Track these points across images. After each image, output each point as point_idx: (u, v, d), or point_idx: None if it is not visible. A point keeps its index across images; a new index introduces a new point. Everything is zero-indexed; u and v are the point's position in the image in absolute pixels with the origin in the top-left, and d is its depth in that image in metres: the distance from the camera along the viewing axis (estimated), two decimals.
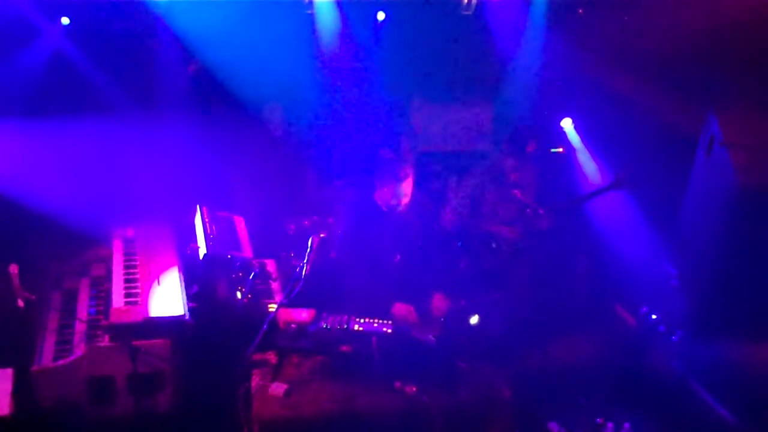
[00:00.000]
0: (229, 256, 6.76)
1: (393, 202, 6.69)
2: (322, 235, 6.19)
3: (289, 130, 8.62)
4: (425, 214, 7.03)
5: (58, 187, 7.60)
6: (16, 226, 7.54)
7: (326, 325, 6.19)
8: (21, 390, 5.76)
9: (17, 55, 8.05)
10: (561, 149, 8.90)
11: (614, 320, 7.88)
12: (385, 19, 8.78)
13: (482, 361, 6.42)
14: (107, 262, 6.97)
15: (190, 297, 6.50)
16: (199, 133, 8.22)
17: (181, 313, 6.23)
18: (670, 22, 7.96)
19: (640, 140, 8.31)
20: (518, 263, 7.67)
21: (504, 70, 9.18)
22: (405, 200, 6.71)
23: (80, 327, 6.31)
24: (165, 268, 6.78)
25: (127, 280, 6.63)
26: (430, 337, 6.27)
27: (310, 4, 8.54)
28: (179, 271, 6.76)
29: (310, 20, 8.63)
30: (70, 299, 6.77)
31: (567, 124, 8.69)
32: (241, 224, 7.44)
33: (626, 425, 6.02)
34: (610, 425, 6.01)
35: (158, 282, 6.58)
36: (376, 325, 6.17)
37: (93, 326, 6.29)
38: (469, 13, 8.80)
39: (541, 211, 7.45)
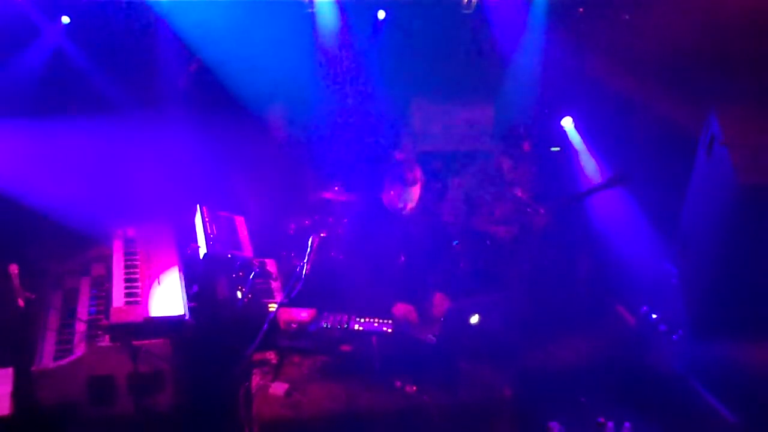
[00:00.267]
0: (229, 256, 6.76)
1: (399, 205, 6.68)
2: (322, 235, 6.19)
3: (289, 129, 8.62)
4: (429, 215, 7.03)
5: (59, 186, 7.60)
6: (16, 226, 7.54)
7: (326, 325, 6.19)
8: (21, 390, 5.76)
9: (18, 55, 8.06)
10: (559, 148, 8.91)
11: (615, 320, 7.88)
12: (385, 18, 8.79)
13: (483, 360, 6.41)
14: (107, 261, 6.95)
15: (191, 297, 6.50)
16: (199, 132, 8.23)
17: (182, 312, 6.22)
18: (671, 21, 7.95)
19: (641, 139, 8.32)
20: (516, 262, 7.67)
21: (504, 69, 9.19)
22: (411, 205, 6.69)
23: (80, 327, 6.30)
24: (165, 267, 6.77)
25: (127, 280, 6.62)
26: (431, 336, 6.26)
27: (311, 2, 8.55)
28: (179, 270, 6.75)
29: (311, 19, 8.63)
30: (71, 299, 6.77)
31: (567, 123, 8.69)
32: (241, 224, 7.44)
33: (627, 425, 5.98)
34: (610, 425, 5.98)
35: (158, 282, 6.58)
36: (376, 324, 6.17)
37: (93, 326, 6.29)
38: (470, 12, 8.81)
39: (542, 211, 7.44)
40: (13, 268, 6.06)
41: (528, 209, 7.55)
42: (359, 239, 6.77)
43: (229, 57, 8.44)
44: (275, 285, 7.10)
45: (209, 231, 6.90)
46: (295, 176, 8.45)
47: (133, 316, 6.08)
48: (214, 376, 6.06)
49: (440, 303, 6.61)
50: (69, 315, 6.54)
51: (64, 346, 6.18)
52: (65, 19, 8.17)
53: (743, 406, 6.34)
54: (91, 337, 6.17)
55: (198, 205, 7.25)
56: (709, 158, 6.86)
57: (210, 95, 8.58)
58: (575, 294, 8.16)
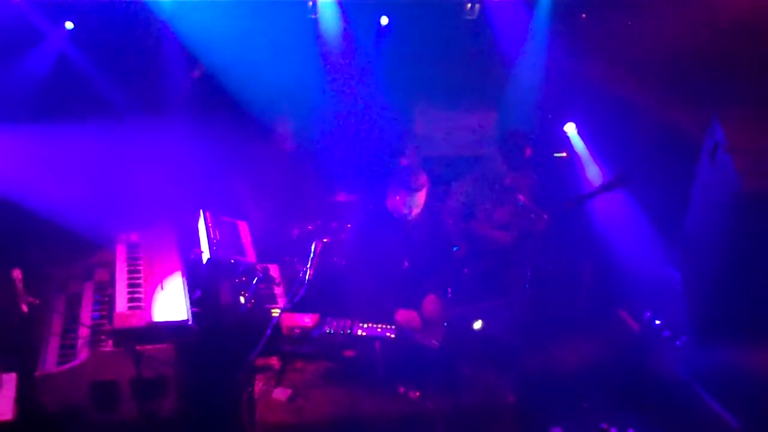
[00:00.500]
0: (232, 261, 6.76)
1: (404, 211, 6.67)
2: (325, 240, 6.18)
3: (292, 134, 8.62)
4: (433, 220, 7.03)
5: (62, 191, 7.60)
6: (19, 230, 7.54)
7: (330, 330, 6.19)
8: (24, 395, 5.76)
9: (22, 59, 8.08)
10: (564, 154, 8.90)
11: (618, 325, 7.88)
12: (388, 24, 8.80)
13: (485, 366, 6.42)
14: (111, 266, 6.95)
15: (194, 302, 6.50)
16: (202, 137, 8.23)
17: (185, 318, 6.22)
18: (674, 27, 7.95)
19: (644, 145, 8.31)
20: (518, 267, 7.66)
21: (507, 74, 9.20)
22: (416, 210, 6.68)
23: (84, 332, 6.29)
24: (168, 272, 6.77)
25: (130, 285, 6.61)
26: (434, 342, 6.26)
27: (314, 8, 8.55)
28: (183, 275, 6.75)
29: (314, 25, 8.64)
30: (74, 304, 6.77)
31: (570, 128, 8.69)
32: (244, 229, 7.44)
33: (630, 430, 6.00)
34: (613, 430, 5.99)
35: (162, 287, 6.57)
36: (379, 330, 6.17)
37: (97, 331, 6.28)
38: (473, 17, 8.82)
39: (545, 216, 7.43)
40: (17, 273, 6.05)
41: (531, 215, 7.54)
42: (363, 245, 6.76)
43: (232, 62, 8.45)
44: (278, 290, 7.09)
45: (212, 236, 6.91)
46: (299, 181, 8.44)
47: (137, 321, 6.08)
48: (217, 382, 6.06)
49: (430, 305, 6.57)
50: (72, 320, 6.53)
51: (68, 351, 6.18)
52: (69, 25, 8.19)
53: (746, 412, 6.33)
54: (94, 342, 6.17)
55: (201, 210, 7.25)
56: (712, 164, 6.85)
57: (213, 100, 8.59)
58: (578, 299, 8.16)
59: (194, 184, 8.07)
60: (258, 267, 6.85)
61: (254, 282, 6.64)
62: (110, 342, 6.04)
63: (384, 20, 8.78)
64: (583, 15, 8.86)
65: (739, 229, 6.45)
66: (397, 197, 6.64)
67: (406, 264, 6.73)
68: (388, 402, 5.96)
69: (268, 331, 5.75)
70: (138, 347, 5.88)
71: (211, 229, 6.99)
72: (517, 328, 6.95)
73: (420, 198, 6.64)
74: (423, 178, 6.65)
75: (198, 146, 8.17)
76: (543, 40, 8.86)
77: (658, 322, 7.39)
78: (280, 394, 5.95)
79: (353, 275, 6.68)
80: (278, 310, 6.16)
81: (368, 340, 6.13)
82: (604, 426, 6.03)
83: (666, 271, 7.58)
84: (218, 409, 6.09)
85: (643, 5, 8.31)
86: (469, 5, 8.73)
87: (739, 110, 6.84)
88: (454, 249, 7.55)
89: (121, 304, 6.36)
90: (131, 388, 6.01)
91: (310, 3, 8.54)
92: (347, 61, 8.94)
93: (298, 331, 6.21)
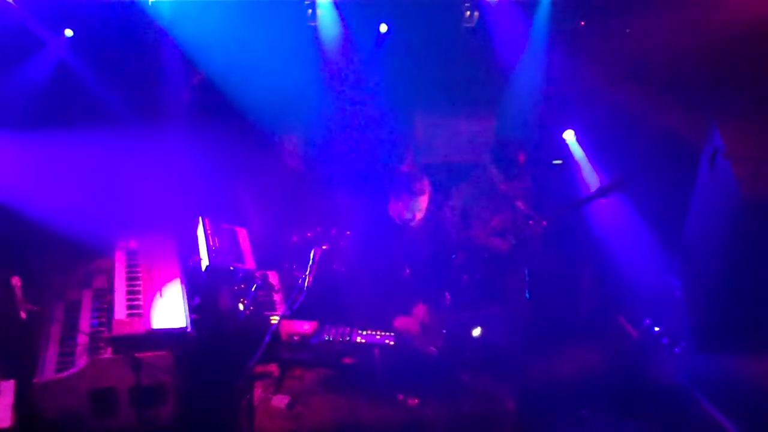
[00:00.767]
0: (231, 268, 6.76)
1: (407, 216, 6.67)
2: (324, 247, 6.17)
3: (292, 141, 8.63)
4: (435, 227, 7.03)
5: (61, 198, 7.60)
6: (19, 238, 7.54)
7: (328, 337, 6.18)
8: (23, 402, 5.74)
9: (22, 67, 8.09)
10: (560, 162, 8.91)
11: (617, 332, 7.86)
12: (387, 32, 8.81)
13: (485, 373, 6.40)
14: (110, 273, 6.95)
15: (193, 309, 6.50)
16: (201, 144, 8.23)
17: (184, 325, 6.22)
18: (673, 34, 7.97)
19: (643, 152, 8.32)
20: (517, 274, 7.65)
21: (506, 82, 9.21)
22: (419, 215, 6.69)
23: (82, 339, 6.28)
24: (167, 279, 6.77)
25: (129, 292, 6.61)
26: (433, 349, 6.25)
27: (313, 15, 8.57)
28: (182, 282, 6.75)
29: (313, 32, 8.66)
30: (73, 311, 6.76)
31: (569, 136, 8.69)
32: (243, 236, 7.44)
33: None
34: None
35: (161, 294, 6.57)
36: (378, 337, 6.16)
37: (95, 338, 6.27)
38: (471, 25, 8.83)
39: (544, 222, 7.43)
40: (16, 281, 6.05)
41: (530, 221, 7.53)
42: (363, 252, 6.76)
43: (232, 69, 8.46)
44: (277, 297, 7.10)
45: (211, 243, 6.91)
46: (298, 188, 8.46)
47: (135, 328, 6.08)
48: (216, 389, 6.05)
49: (420, 314, 6.56)
50: (71, 327, 6.52)
51: (66, 358, 6.17)
52: (69, 32, 8.20)
53: (746, 419, 6.32)
54: (93, 349, 6.16)
55: (200, 217, 7.25)
56: (712, 171, 6.86)
57: (212, 107, 8.60)
58: (578, 306, 8.15)
59: (193, 191, 8.08)
60: (257, 274, 6.86)
61: (253, 289, 6.64)
62: (109, 349, 6.03)
63: (383, 28, 8.79)
64: (582, 22, 8.87)
65: (738, 236, 6.45)
66: (400, 202, 6.65)
67: (408, 271, 6.73)
68: (387, 409, 5.95)
69: (267, 338, 5.72)
70: (137, 354, 5.86)
71: (210, 236, 6.99)
72: (516, 335, 6.93)
73: (422, 202, 6.65)
74: (425, 182, 6.66)
75: (197, 153, 8.18)
76: (542, 47, 8.88)
77: (657, 329, 7.39)
78: (279, 401, 5.95)
79: (353, 282, 6.67)
80: (277, 317, 6.16)
81: (367, 347, 6.12)
82: None
83: (665, 278, 7.58)
84: (217, 416, 6.07)
85: (642, 12, 8.33)
86: (468, 13, 8.75)
87: (739, 116, 6.85)
88: (452, 257, 7.55)
89: (120, 311, 6.37)
90: (130, 396, 5.99)
91: (310, 11, 8.55)
92: (347, 68, 8.95)
93: (297, 338, 6.20)
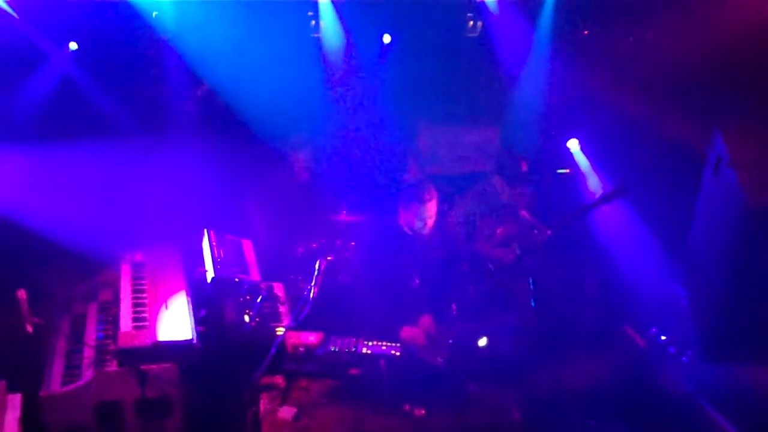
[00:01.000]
0: (236, 280, 6.77)
1: (418, 224, 6.68)
2: (329, 258, 6.18)
3: (296, 152, 8.64)
4: (445, 238, 7.03)
5: (67, 211, 7.62)
6: (24, 251, 7.56)
7: (334, 348, 6.18)
8: (29, 415, 5.74)
9: (27, 80, 8.11)
10: (567, 170, 8.90)
11: (624, 341, 7.85)
12: (390, 42, 8.83)
13: (491, 383, 6.38)
14: (115, 286, 6.97)
15: (198, 321, 6.50)
16: (206, 156, 8.25)
17: (189, 337, 6.23)
18: (676, 41, 7.98)
19: (647, 160, 8.31)
20: (521, 283, 7.64)
21: (510, 91, 9.22)
22: (430, 222, 6.70)
23: (88, 352, 6.30)
24: (173, 292, 6.78)
25: (135, 305, 6.62)
26: (439, 359, 6.24)
27: (317, 27, 8.59)
28: (187, 294, 6.76)
29: (317, 44, 8.68)
30: (79, 324, 6.77)
31: (573, 144, 8.69)
32: (248, 247, 7.45)
33: None
34: None
35: (166, 306, 6.58)
36: (384, 347, 6.15)
37: (101, 351, 6.29)
38: (475, 35, 8.85)
39: (548, 232, 7.42)
40: (21, 294, 6.06)
41: (534, 230, 7.53)
42: (370, 262, 6.76)
43: (236, 81, 8.48)
44: (283, 309, 7.09)
45: (216, 255, 6.91)
46: (303, 199, 8.46)
47: (141, 340, 6.09)
48: (222, 401, 6.05)
49: (426, 324, 6.56)
50: (77, 340, 6.54)
51: (73, 371, 6.18)
52: (73, 45, 8.23)
53: (753, 428, 6.30)
54: (99, 362, 6.17)
55: (205, 229, 7.26)
56: (716, 178, 6.86)
57: (216, 120, 8.62)
58: (583, 315, 8.13)
59: (198, 203, 8.09)
60: (262, 285, 6.86)
61: (258, 300, 6.64)
62: (115, 362, 6.05)
63: (386, 38, 8.81)
64: (585, 31, 8.88)
65: (743, 244, 6.45)
66: (409, 212, 6.67)
67: (417, 281, 6.73)
68: (393, 420, 5.92)
69: (273, 350, 5.76)
70: (143, 367, 5.87)
71: (215, 247, 7.00)
72: (522, 344, 6.91)
73: (431, 209, 6.67)
74: (432, 189, 6.69)
75: (201, 165, 8.20)
76: (545, 56, 8.89)
77: (663, 338, 7.37)
78: (286, 412, 5.92)
79: (358, 293, 6.67)
80: (283, 329, 6.16)
81: (373, 358, 6.11)
82: None
83: (670, 286, 7.57)
84: (223, 428, 6.09)
85: (645, 20, 8.34)
86: (471, 22, 8.77)
87: (742, 124, 6.86)
88: (459, 267, 7.54)
89: (125, 323, 6.37)
90: (136, 408, 6.00)
91: (313, 22, 8.57)
92: (350, 78, 8.97)
93: (302, 349, 6.18)
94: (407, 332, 6.42)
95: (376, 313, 6.49)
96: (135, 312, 6.52)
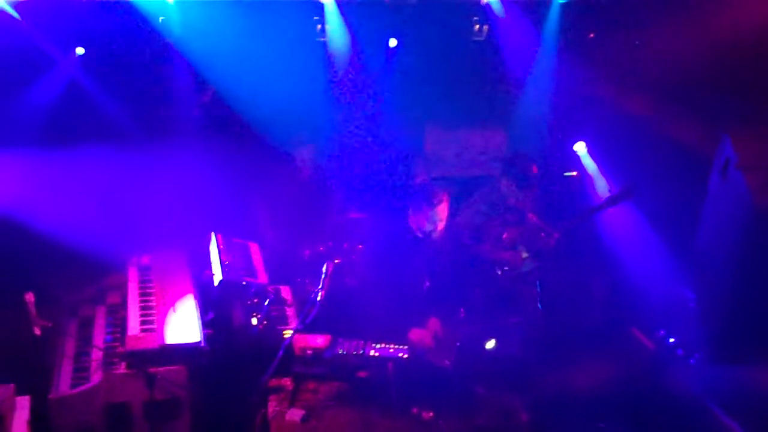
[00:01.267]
0: (244, 283, 6.77)
1: (428, 227, 6.70)
2: (337, 261, 6.18)
3: (303, 156, 8.66)
4: (455, 240, 7.04)
5: (75, 214, 7.63)
6: (32, 254, 7.57)
7: (342, 351, 6.18)
8: (38, 418, 5.75)
9: (34, 85, 8.14)
10: (575, 173, 8.90)
11: (632, 344, 7.84)
12: (397, 46, 8.84)
13: (499, 385, 6.38)
14: (123, 289, 6.97)
15: (206, 324, 6.50)
16: (213, 160, 8.26)
17: (197, 339, 6.22)
18: (682, 45, 7.97)
19: (655, 163, 8.31)
20: (528, 286, 7.63)
21: (516, 95, 9.22)
22: (440, 225, 6.72)
23: (97, 354, 6.30)
24: (180, 295, 6.77)
25: (142, 308, 6.62)
26: (447, 362, 6.24)
27: (323, 31, 8.60)
28: (195, 297, 6.75)
29: (323, 48, 8.69)
30: (87, 327, 6.77)
31: (580, 147, 8.68)
32: (256, 250, 7.45)
33: None
34: None
35: (174, 309, 6.57)
36: (392, 350, 6.15)
37: (109, 353, 6.28)
38: (481, 39, 8.85)
39: (556, 234, 7.42)
40: (30, 297, 6.06)
41: (542, 233, 7.52)
42: (378, 265, 6.77)
43: (242, 85, 8.50)
44: (290, 311, 7.08)
45: (224, 258, 6.92)
46: (309, 202, 8.47)
47: (149, 343, 6.09)
48: (230, 403, 6.05)
49: (434, 327, 6.56)
50: (85, 343, 6.54)
51: (81, 373, 6.19)
52: (80, 50, 8.25)
53: (762, 430, 6.28)
54: (107, 364, 6.17)
55: (213, 232, 7.26)
56: (723, 181, 6.85)
57: (223, 123, 8.64)
58: (591, 318, 8.13)
59: (205, 206, 8.10)
60: (269, 288, 6.86)
61: (266, 303, 6.64)
62: (123, 364, 6.05)
63: (392, 42, 8.82)
64: (591, 34, 8.88)
65: (751, 246, 6.44)
66: (420, 214, 6.69)
67: (428, 284, 6.74)
68: (401, 423, 5.93)
69: (281, 353, 5.76)
70: (151, 369, 5.87)
71: (222, 251, 7.01)
72: (530, 347, 6.92)
73: (442, 212, 6.69)
74: (442, 192, 6.70)
75: (208, 169, 8.21)
76: (551, 59, 8.90)
77: (671, 340, 7.37)
78: (294, 415, 5.93)
79: (367, 295, 6.68)
80: (290, 331, 6.16)
81: (381, 360, 6.11)
82: None
83: (678, 289, 7.56)
84: (231, 430, 6.08)
85: (651, 23, 8.34)
86: (478, 26, 8.77)
87: (750, 127, 6.86)
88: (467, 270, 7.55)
89: (133, 326, 6.37)
90: (144, 411, 6.00)
91: (319, 26, 8.59)
92: (356, 82, 8.97)
93: (310, 352, 6.19)
94: (415, 334, 6.43)
95: (383, 315, 6.49)
96: (143, 315, 6.52)
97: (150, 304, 6.69)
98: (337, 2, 8.45)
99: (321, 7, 8.48)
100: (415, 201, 6.77)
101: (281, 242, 8.12)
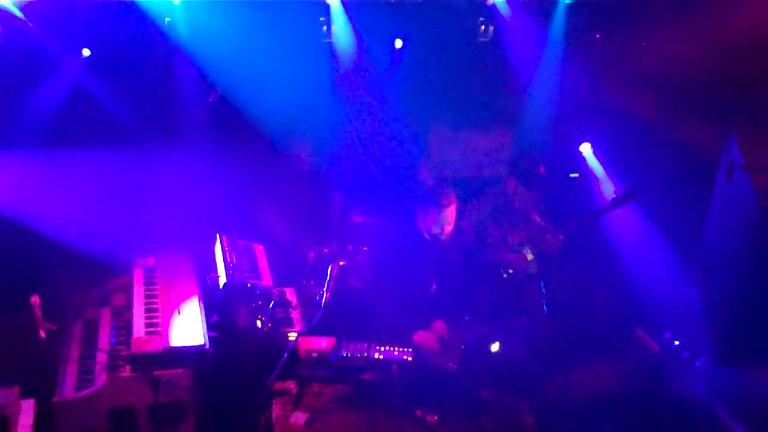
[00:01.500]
0: (249, 285, 6.76)
1: (436, 229, 6.69)
2: (341, 263, 6.18)
3: (309, 157, 8.66)
4: (465, 242, 7.04)
5: (80, 216, 7.65)
6: (37, 257, 7.58)
7: (347, 354, 6.18)
8: (43, 421, 5.76)
9: (40, 86, 8.15)
10: (578, 175, 8.89)
11: (637, 346, 7.82)
12: (402, 47, 8.83)
13: (504, 388, 6.37)
14: (128, 291, 6.97)
15: (211, 326, 6.50)
16: (218, 162, 8.27)
17: (202, 342, 6.22)
18: (689, 46, 7.95)
19: (660, 164, 8.29)
20: (533, 288, 7.62)
21: (522, 96, 9.20)
22: (448, 228, 6.72)
23: (101, 357, 6.29)
24: (185, 297, 6.78)
25: (147, 310, 6.62)
26: (452, 364, 6.23)
27: (328, 32, 8.59)
28: (199, 300, 6.76)
29: (329, 49, 8.69)
30: (92, 329, 6.77)
31: (586, 148, 8.67)
32: (261, 252, 7.45)
33: None
34: None
35: (179, 311, 6.58)
36: (396, 353, 6.15)
37: (114, 356, 6.28)
38: (486, 39, 8.83)
39: (560, 236, 7.40)
40: (35, 299, 6.07)
41: (547, 235, 7.51)
42: (384, 267, 6.77)
43: (248, 86, 8.50)
44: (295, 314, 7.08)
45: (229, 260, 6.92)
46: (315, 204, 8.47)
47: (154, 346, 6.08)
48: (235, 406, 6.05)
49: (439, 329, 6.55)
50: (90, 345, 6.53)
51: (86, 376, 6.17)
52: (86, 52, 8.26)
53: None
54: (112, 367, 6.16)
55: (218, 234, 7.27)
56: (729, 182, 6.83)
57: (228, 125, 8.63)
58: (596, 320, 8.11)
59: (210, 208, 8.10)
60: (274, 290, 6.85)
61: (271, 306, 6.63)
62: (128, 367, 6.04)
63: (398, 43, 8.81)
64: (597, 35, 8.86)
65: (757, 247, 6.41)
66: (428, 216, 6.68)
67: (435, 286, 6.73)
68: (405, 426, 5.94)
69: (285, 355, 5.75)
70: (155, 372, 5.86)
71: (227, 253, 7.00)
72: (535, 349, 6.91)
73: (450, 215, 6.68)
74: (450, 194, 6.70)
75: (213, 170, 8.22)
76: (557, 60, 8.87)
77: (677, 342, 7.35)
78: (298, 417, 5.95)
79: (372, 298, 6.68)
80: (295, 334, 6.16)
81: (385, 363, 6.12)
82: None
83: (684, 291, 7.54)
84: None
85: (657, 24, 8.31)
86: (483, 27, 8.74)
87: (756, 127, 6.83)
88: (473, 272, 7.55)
89: (138, 329, 6.37)
90: (149, 414, 5.99)
91: (325, 27, 8.58)
92: (362, 83, 8.97)
93: (315, 354, 6.20)
94: (420, 337, 6.42)
95: (388, 318, 6.49)
96: (148, 317, 6.52)
97: (155, 306, 6.69)
98: (343, 3, 8.43)
99: (327, 7, 8.46)
100: (424, 202, 6.76)
101: (286, 244, 8.11)
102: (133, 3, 7.96)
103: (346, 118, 9.04)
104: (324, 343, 6.25)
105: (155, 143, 8.31)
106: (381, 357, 6.14)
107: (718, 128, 7.24)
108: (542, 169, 7.86)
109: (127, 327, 6.57)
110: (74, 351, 6.48)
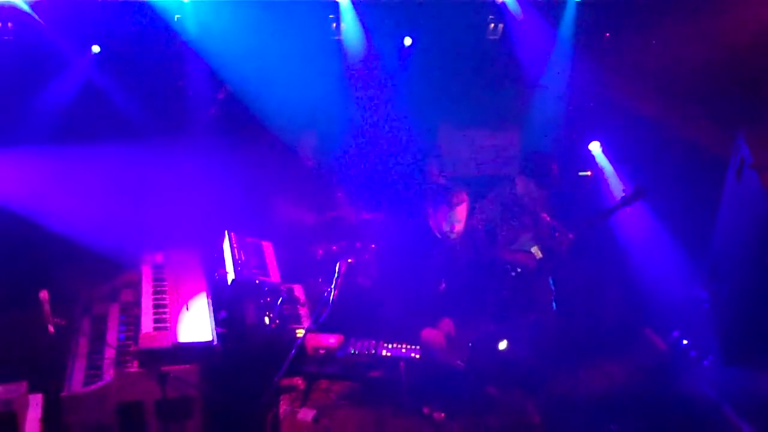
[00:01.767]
0: (257, 282, 6.77)
1: (446, 228, 6.69)
2: (349, 260, 6.18)
3: (317, 154, 8.67)
4: (476, 240, 7.03)
5: (88, 212, 7.67)
6: (46, 252, 7.60)
7: (354, 351, 6.18)
8: (51, 415, 5.77)
9: (50, 83, 8.17)
10: (589, 173, 8.88)
11: (645, 345, 7.81)
12: (411, 45, 8.83)
13: (511, 386, 6.37)
14: (136, 287, 6.98)
15: (219, 322, 6.51)
16: (227, 158, 8.29)
17: (210, 338, 6.23)
18: (698, 45, 7.94)
19: (670, 163, 8.28)
20: (542, 287, 7.62)
21: (531, 94, 9.20)
22: (459, 227, 6.72)
23: (109, 352, 6.31)
24: (193, 293, 6.79)
25: (156, 306, 6.63)
26: (459, 362, 6.23)
27: (338, 29, 8.60)
28: (208, 296, 6.76)
29: (338, 46, 8.69)
30: (100, 325, 6.78)
31: (595, 147, 8.66)
32: (269, 249, 7.45)
33: None
34: None
35: (187, 307, 6.59)
36: (404, 350, 6.15)
37: (122, 352, 6.30)
38: (496, 37, 8.83)
39: (570, 235, 7.40)
40: (44, 294, 6.09)
41: (556, 233, 7.50)
42: (393, 265, 6.77)
43: (257, 83, 8.51)
44: (303, 311, 7.09)
45: (237, 257, 6.92)
46: (323, 201, 8.47)
47: (162, 341, 6.08)
48: (242, 402, 6.05)
49: (446, 327, 6.55)
50: (98, 341, 6.55)
51: (94, 371, 6.19)
52: (96, 49, 8.29)
53: None
54: (120, 362, 6.18)
55: (226, 231, 7.27)
56: (738, 181, 6.81)
57: (237, 122, 8.65)
58: (604, 318, 8.10)
59: (219, 204, 8.11)
60: (282, 287, 6.86)
61: (279, 302, 6.65)
62: (136, 362, 6.05)
63: (407, 41, 8.81)
64: (607, 34, 8.85)
65: (766, 246, 6.39)
66: (438, 214, 6.68)
67: (444, 285, 6.73)
68: (412, 422, 5.92)
69: (293, 352, 5.76)
70: (163, 368, 5.86)
71: (236, 249, 7.01)
72: (543, 347, 6.90)
73: (460, 213, 6.68)
74: (462, 193, 6.70)
75: (222, 167, 8.23)
76: (566, 59, 8.87)
77: (685, 341, 7.34)
78: (305, 414, 5.93)
79: (379, 295, 6.68)
80: (303, 331, 6.15)
81: (393, 360, 6.11)
82: None
83: (692, 290, 7.53)
84: (243, 429, 6.08)
85: (667, 24, 8.30)
86: (493, 25, 8.74)
87: (765, 127, 6.81)
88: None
89: (146, 324, 6.38)
90: (156, 409, 6.00)
91: (334, 24, 8.58)
92: (371, 81, 8.97)
93: (322, 351, 6.19)
94: (427, 334, 6.42)
95: (396, 315, 6.49)
96: (156, 313, 6.53)
97: (163, 302, 6.70)
98: (352, 1, 8.44)
99: (336, 5, 8.47)
100: (434, 202, 6.76)
101: (294, 241, 8.12)
102: (143, 1, 7.98)
103: (356, 115, 9.04)
104: (332, 339, 6.25)
105: (164, 140, 8.33)
106: (388, 354, 6.13)
107: (727, 127, 7.22)
108: (555, 168, 7.85)
109: (135, 322, 6.59)
110: (82, 346, 6.50)
